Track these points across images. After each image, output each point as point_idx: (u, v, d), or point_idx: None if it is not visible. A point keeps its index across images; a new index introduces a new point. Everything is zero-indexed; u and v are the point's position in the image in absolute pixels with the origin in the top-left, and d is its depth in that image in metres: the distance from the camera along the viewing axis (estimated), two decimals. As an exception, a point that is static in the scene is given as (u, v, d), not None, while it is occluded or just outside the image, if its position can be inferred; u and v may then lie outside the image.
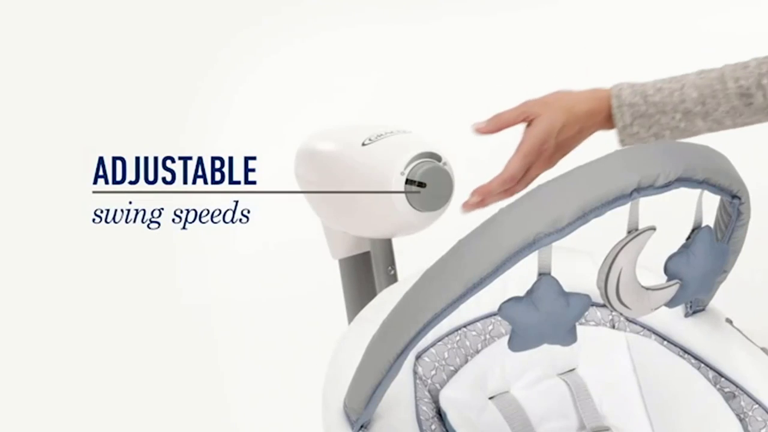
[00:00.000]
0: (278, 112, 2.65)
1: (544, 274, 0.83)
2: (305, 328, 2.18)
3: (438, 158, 1.19)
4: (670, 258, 0.91)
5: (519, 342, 0.85)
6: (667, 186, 0.81)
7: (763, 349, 1.05)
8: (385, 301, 1.02)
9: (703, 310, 1.08)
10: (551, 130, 1.11)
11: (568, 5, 2.77)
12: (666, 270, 0.91)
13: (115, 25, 2.67)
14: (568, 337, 0.87)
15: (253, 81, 2.73)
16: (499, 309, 0.84)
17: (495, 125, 1.15)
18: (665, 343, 1.09)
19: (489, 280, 0.79)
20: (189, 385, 2.15)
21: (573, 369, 1.12)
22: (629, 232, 0.86)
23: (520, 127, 1.20)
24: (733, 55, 1.18)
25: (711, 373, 1.05)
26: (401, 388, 0.98)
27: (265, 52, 2.75)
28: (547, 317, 0.83)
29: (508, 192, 1.13)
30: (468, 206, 1.13)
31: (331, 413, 0.95)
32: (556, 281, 0.83)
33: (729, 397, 1.02)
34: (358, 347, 0.90)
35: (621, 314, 0.91)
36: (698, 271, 0.91)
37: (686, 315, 1.08)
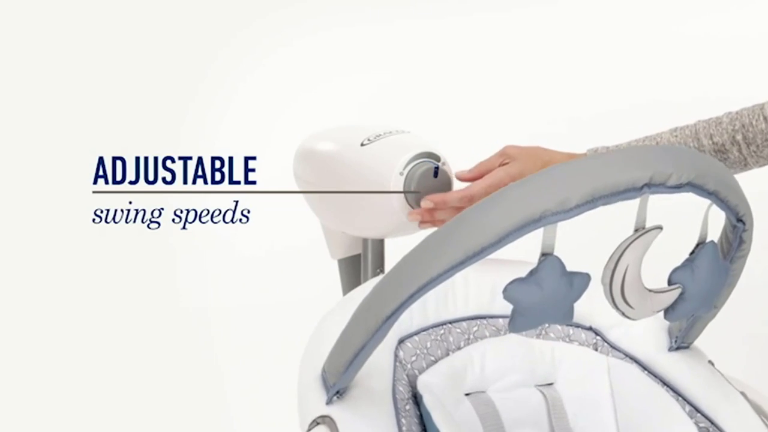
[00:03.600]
0: (278, 112, 2.65)
1: (547, 254, 0.82)
2: (305, 328, 2.18)
3: (437, 158, 1.19)
4: (674, 271, 0.91)
5: (521, 321, 0.85)
6: (678, 188, 0.81)
7: (742, 393, 1.06)
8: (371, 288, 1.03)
9: (687, 347, 1.09)
10: (522, 175, 1.14)
11: (570, 4, 2.77)
12: (670, 282, 0.91)
13: (114, 25, 2.67)
14: (568, 315, 0.87)
15: (253, 81, 2.73)
16: (504, 290, 0.83)
17: (478, 172, 1.18)
18: (646, 372, 1.09)
19: (490, 251, 0.78)
20: (188, 384, 2.15)
21: (551, 383, 1.12)
22: (636, 230, 0.86)
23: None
24: (727, 57, 1.19)
25: (688, 407, 1.05)
26: (381, 365, 0.99)
27: (264, 52, 2.75)
28: (550, 296, 0.83)
29: (459, 210, 1.15)
30: (414, 214, 1.16)
31: (307, 378, 0.96)
32: (560, 260, 0.83)
33: None
34: (342, 322, 0.90)
35: (623, 314, 0.90)
36: (701, 285, 0.91)
37: (670, 349, 1.09)
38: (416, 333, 1.08)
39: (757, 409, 1.05)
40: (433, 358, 1.08)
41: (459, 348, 1.09)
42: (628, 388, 1.08)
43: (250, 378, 2.15)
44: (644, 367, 1.09)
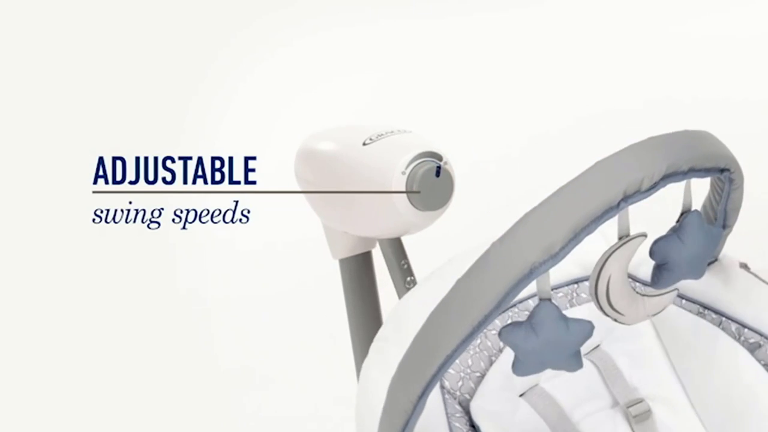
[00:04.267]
0: (278, 112, 2.65)
1: (543, 300, 0.82)
2: (305, 329, 2.18)
3: (439, 158, 1.19)
4: (656, 241, 0.90)
5: (522, 367, 0.85)
6: (654, 187, 0.80)
7: None
8: (401, 318, 1.02)
9: (716, 260, 1.05)
10: None
11: (569, 4, 2.77)
12: (652, 253, 0.90)
13: (115, 26, 2.68)
14: (573, 362, 0.86)
15: (253, 81, 2.73)
16: (500, 334, 0.84)
17: None
18: (683, 302, 1.07)
19: (494, 316, 0.78)
20: (188, 385, 2.15)
21: (597, 346, 1.11)
22: (620, 239, 0.85)
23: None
24: (727, 57, 1.18)
25: (734, 326, 1.03)
26: (432, 412, 0.98)
27: (264, 52, 2.76)
28: (547, 343, 0.83)
29: None
30: None
31: None
32: (556, 307, 0.83)
33: (754, 348, 1.01)
34: (383, 373, 0.90)
35: (615, 320, 0.90)
36: (687, 254, 0.90)
37: None
38: None
39: None
40: (478, 374, 1.06)
41: (500, 350, 1.08)
42: (672, 326, 1.07)
43: (250, 379, 2.15)
44: (681, 297, 1.07)
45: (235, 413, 2.09)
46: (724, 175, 0.89)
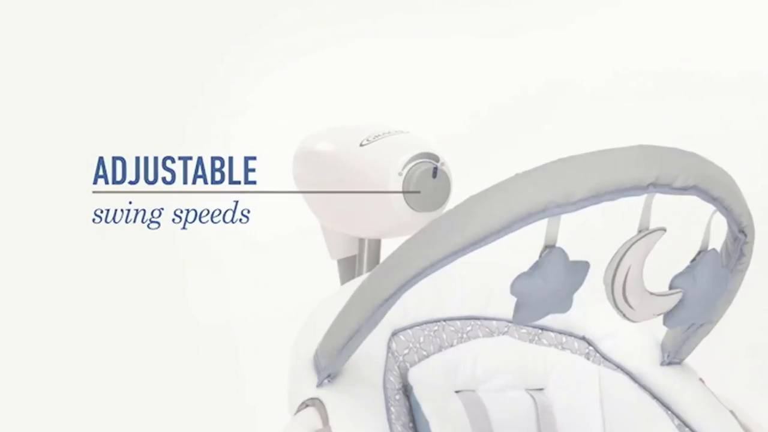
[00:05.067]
0: (278, 113, 2.65)
1: (550, 246, 0.82)
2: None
3: (436, 158, 1.19)
4: (675, 277, 0.91)
5: (526, 313, 0.85)
6: (684, 190, 0.81)
7: (731, 411, 1.06)
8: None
9: (679, 363, 1.09)
10: None
11: (570, 3, 2.77)
12: (671, 288, 0.91)
13: (116, 26, 2.68)
14: (568, 305, 0.87)
15: (253, 81, 2.73)
16: (512, 286, 0.83)
17: None
18: (637, 384, 1.10)
19: (492, 239, 0.78)
20: (189, 385, 2.15)
21: (542, 389, 1.13)
22: (639, 231, 0.86)
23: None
24: (730, 56, 1.18)
25: (676, 421, 1.05)
26: (373, 354, 1.00)
27: (264, 52, 2.76)
28: (555, 288, 0.83)
29: None
30: None
31: (299, 360, 0.97)
32: (563, 252, 0.83)
33: None
34: (336, 308, 0.91)
35: (624, 315, 0.91)
36: (701, 292, 0.91)
37: (662, 363, 1.09)
38: (410, 327, 1.09)
39: (746, 430, 1.06)
40: (425, 353, 1.08)
41: (452, 345, 1.10)
42: (618, 398, 1.09)
43: (250, 378, 2.16)
44: (635, 380, 1.10)
45: (235, 412, 2.09)
46: (740, 238, 0.90)
